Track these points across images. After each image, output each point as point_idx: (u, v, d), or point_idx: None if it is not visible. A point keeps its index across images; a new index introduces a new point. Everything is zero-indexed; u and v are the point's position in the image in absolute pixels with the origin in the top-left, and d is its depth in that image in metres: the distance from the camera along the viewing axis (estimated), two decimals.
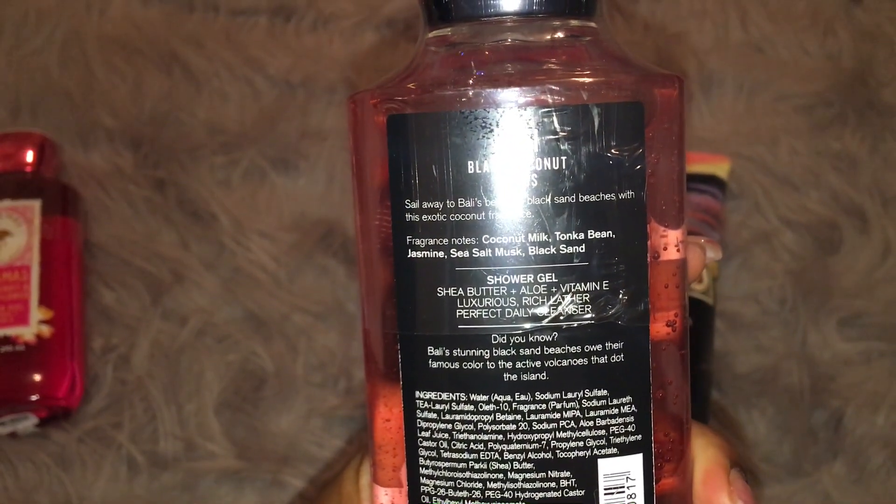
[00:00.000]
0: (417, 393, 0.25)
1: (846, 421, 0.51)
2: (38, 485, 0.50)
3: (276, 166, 0.61)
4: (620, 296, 0.25)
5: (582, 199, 0.24)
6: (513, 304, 0.24)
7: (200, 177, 0.60)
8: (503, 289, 0.24)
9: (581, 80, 0.24)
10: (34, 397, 0.51)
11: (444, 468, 0.25)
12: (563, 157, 0.24)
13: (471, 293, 0.24)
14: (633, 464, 0.25)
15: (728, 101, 0.63)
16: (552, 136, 0.24)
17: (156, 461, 0.51)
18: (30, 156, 0.58)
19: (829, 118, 0.62)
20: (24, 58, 0.64)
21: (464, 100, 0.24)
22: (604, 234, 0.24)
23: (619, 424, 0.25)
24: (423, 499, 0.26)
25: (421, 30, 0.27)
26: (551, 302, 0.24)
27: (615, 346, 0.25)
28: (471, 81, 0.24)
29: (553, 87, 0.24)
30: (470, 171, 0.24)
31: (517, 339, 0.24)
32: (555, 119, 0.24)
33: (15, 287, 0.52)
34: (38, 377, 0.51)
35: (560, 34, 0.26)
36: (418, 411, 0.25)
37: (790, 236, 0.58)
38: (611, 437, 0.25)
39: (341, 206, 0.59)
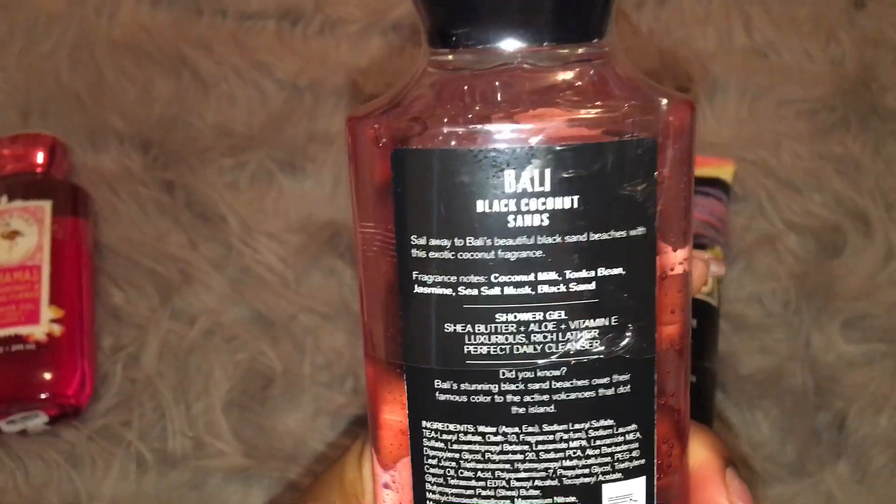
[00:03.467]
0: (424, 423, 0.25)
1: (849, 422, 0.52)
2: (48, 482, 0.51)
3: (284, 169, 0.61)
4: (629, 330, 0.24)
5: (593, 237, 0.24)
6: (521, 340, 0.24)
7: (209, 179, 0.60)
8: (512, 326, 0.24)
9: (594, 115, 0.24)
10: (44, 395, 0.51)
11: (452, 494, 0.26)
12: (575, 196, 0.23)
13: (479, 330, 0.24)
14: (637, 486, 0.25)
15: (732, 105, 0.63)
16: (564, 175, 0.23)
17: (164, 459, 0.51)
18: (40, 157, 0.58)
19: (832, 123, 0.62)
20: (34, 61, 0.65)
21: (474, 137, 0.23)
22: (614, 271, 0.24)
23: (623, 451, 0.25)
24: None
25: (422, 48, 0.26)
26: (561, 339, 0.24)
27: (622, 378, 0.25)
28: (479, 118, 0.24)
29: (566, 125, 0.23)
30: (479, 210, 0.23)
31: (525, 375, 0.24)
32: (567, 158, 0.23)
33: (26, 286, 0.53)
34: (48, 376, 0.51)
35: (569, 63, 0.25)
36: (425, 440, 0.25)
37: (794, 239, 0.58)
38: (615, 464, 0.25)
39: (348, 209, 0.59)
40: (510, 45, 0.24)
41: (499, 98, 0.24)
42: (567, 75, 0.25)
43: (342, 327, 0.56)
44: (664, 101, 0.25)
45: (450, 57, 0.25)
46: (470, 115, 0.24)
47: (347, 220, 0.59)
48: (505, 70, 0.24)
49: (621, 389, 0.25)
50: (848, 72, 0.64)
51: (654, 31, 0.67)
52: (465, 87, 0.25)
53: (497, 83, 0.24)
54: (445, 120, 0.24)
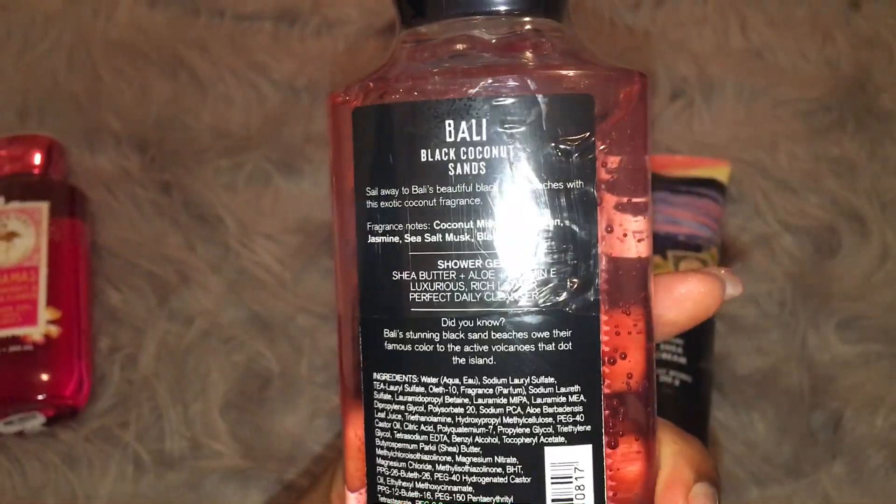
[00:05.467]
0: (375, 374, 0.26)
1: (845, 422, 0.52)
2: (46, 483, 0.51)
3: (281, 170, 0.61)
4: (569, 284, 0.25)
5: (531, 188, 0.25)
6: (461, 288, 0.25)
7: (206, 180, 0.60)
8: (452, 273, 0.25)
9: (531, 72, 0.25)
10: (42, 396, 0.51)
11: (398, 449, 0.26)
12: (511, 146, 0.24)
13: (422, 277, 0.25)
14: (582, 454, 0.25)
15: (728, 106, 0.64)
16: (501, 127, 0.24)
17: (162, 460, 0.52)
18: (38, 158, 0.58)
19: (828, 123, 0.63)
20: (31, 62, 0.65)
21: (416, 91, 0.25)
22: (552, 223, 0.25)
23: (566, 413, 0.25)
24: (378, 479, 0.26)
25: (396, 28, 0.28)
26: (499, 288, 0.25)
27: (563, 334, 0.25)
28: (424, 74, 0.25)
29: (501, 78, 0.25)
30: (423, 160, 0.25)
31: (465, 324, 0.25)
32: (503, 109, 0.24)
33: (23, 288, 0.53)
34: (45, 377, 0.51)
35: (524, 33, 0.26)
36: (375, 392, 0.26)
37: (789, 240, 0.58)
38: (558, 426, 0.25)
39: None
40: (473, 14, 0.26)
41: (448, 58, 0.26)
42: (515, 41, 0.26)
43: None
44: (610, 68, 0.26)
45: (420, 29, 0.27)
46: (417, 73, 0.26)
47: None
48: (462, 36, 0.26)
49: (562, 346, 0.25)
50: (844, 73, 0.64)
51: (651, 33, 0.67)
52: (423, 53, 0.27)
53: (450, 46, 0.26)
54: (395, 78, 0.26)
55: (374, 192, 0.25)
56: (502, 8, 0.26)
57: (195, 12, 0.67)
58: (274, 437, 0.52)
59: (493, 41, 0.26)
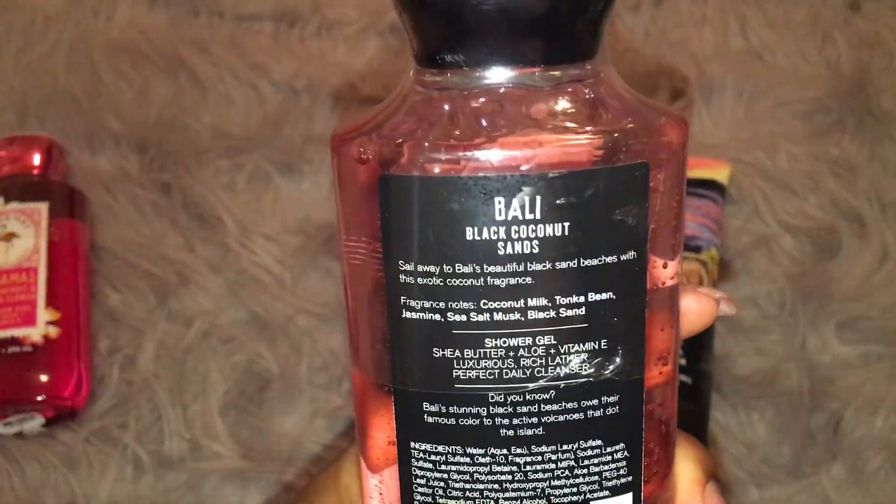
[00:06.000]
0: (413, 443, 0.25)
1: (845, 423, 0.52)
2: (45, 484, 0.51)
3: (281, 170, 0.61)
4: (618, 354, 0.24)
5: (584, 263, 0.23)
6: (510, 365, 0.24)
7: (206, 180, 0.60)
8: (501, 351, 0.24)
9: (586, 140, 0.23)
10: (41, 397, 0.51)
11: None
12: (566, 224, 0.23)
13: (468, 355, 0.24)
14: (623, 502, 0.26)
15: (728, 107, 0.64)
16: (555, 202, 0.23)
17: (161, 461, 0.51)
18: (37, 159, 0.58)
19: (828, 124, 0.63)
20: (31, 62, 0.65)
21: (460, 163, 0.23)
22: (604, 296, 0.24)
23: (611, 469, 0.25)
24: None
25: (410, 63, 0.25)
26: (550, 363, 0.24)
27: (611, 399, 0.25)
28: (466, 143, 0.23)
29: (557, 151, 0.23)
30: (468, 238, 0.23)
31: (514, 398, 0.24)
32: (558, 185, 0.23)
33: (22, 288, 0.53)
34: (44, 377, 0.51)
35: (560, 85, 0.24)
36: (413, 461, 0.25)
37: (789, 241, 0.58)
38: (603, 482, 0.25)
39: None
40: (499, 67, 0.24)
41: (485, 122, 0.23)
42: (557, 98, 0.24)
43: (339, 329, 0.56)
44: (657, 122, 0.24)
45: (437, 78, 0.24)
46: (455, 141, 0.23)
47: None
48: (493, 92, 0.24)
49: (610, 411, 0.25)
50: (844, 74, 0.64)
51: (651, 34, 0.67)
52: (452, 110, 0.24)
53: (484, 106, 0.24)
54: (431, 145, 0.23)
55: (410, 267, 0.24)
56: (540, 58, 0.24)
57: (195, 13, 0.67)
58: (273, 438, 0.52)
59: (533, 98, 0.24)
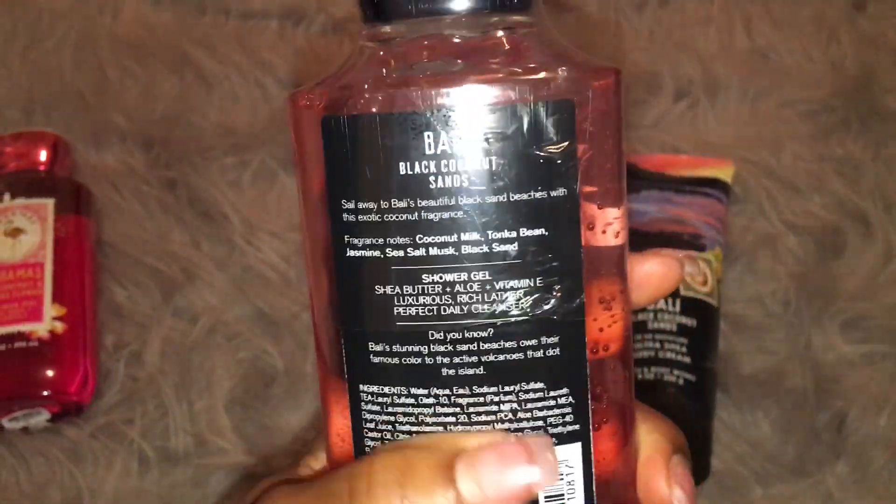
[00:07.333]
0: (361, 386, 0.26)
1: (849, 422, 0.52)
2: (50, 479, 0.51)
3: (286, 167, 0.61)
4: (555, 292, 0.25)
5: (514, 198, 0.24)
6: (448, 301, 0.25)
7: (211, 177, 0.61)
8: (438, 287, 0.24)
9: (511, 78, 0.24)
10: (47, 393, 0.51)
11: None
12: (494, 158, 0.24)
13: (407, 291, 0.25)
14: (572, 452, 0.25)
15: (733, 106, 0.64)
16: (482, 137, 0.24)
17: (167, 457, 0.52)
18: (43, 155, 0.59)
19: (833, 124, 0.63)
20: (37, 59, 0.65)
21: (394, 101, 0.24)
22: (536, 232, 0.24)
23: (556, 416, 0.25)
24: None
25: (358, 25, 0.27)
26: (486, 300, 0.24)
27: (551, 340, 0.25)
28: (401, 82, 0.24)
29: (482, 87, 0.24)
30: (402, 173, 0.24)
31: (454, 336, 0.25)
32: (484, 120, 0.24)
33: (29, 284, 0.53)
34: (50, 373, 0.51)
35: (493, 31, 0.26)
36: (363, 404, 0.26)
37: (794, 240, 0.58)
38: (549, 429, 0.25)
39: None
40: (437, 14, 0.25)
41: (422, 63, 0.25)
42: (486, 42, 0.25)
43: None
44: (586, 67, 0.25)
45: (384, 29, 0.26)
46: (391, 81, 0.25)
47: None
48: (432, 38, 0.25)
49: (550, 352, 0.25)
50: (849, 73, 0.64)
51: (656, 33, 0.67)
52: (392, 56, 0.26)
53: (421, 50, 0.25)
54: (368, 86, 0.24)
55: (351, 206, 0.25)
56: (472, 6, 0.25)
57: (201, 10, 0.67)
58: (279, 435, 0.52)
59: (466, 44, 0.25)
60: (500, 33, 0.26)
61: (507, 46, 0.26)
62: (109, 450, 0.52)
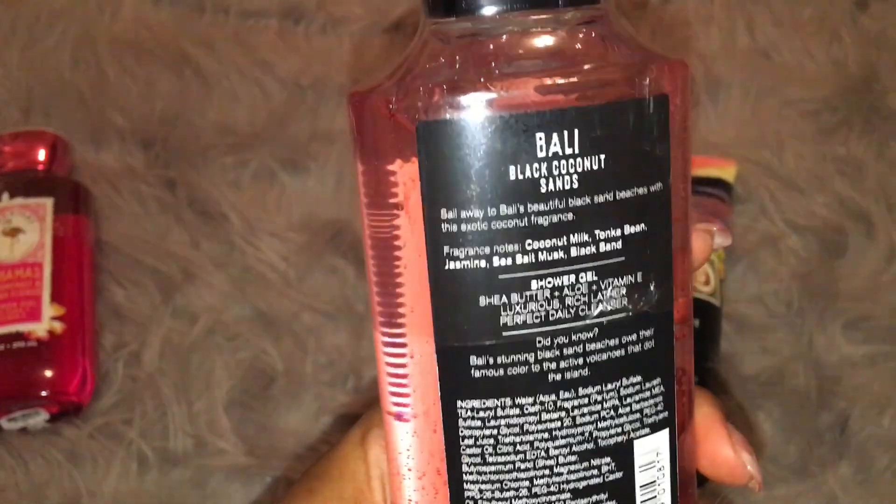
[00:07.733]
0: (459, 403, 0.25)
1: (852, 423, 0.52)
2: (49, 480, 0.50)
3: (286, 167, 0.61)
4: (652, 286, 0.25)
5: (619, 195, 0.24)
6: (556, 306, 0.24)
7: (211, 177, 0.60)
8: (546, 292, 0.24)
9: (613, 75, 0.24)
10: (45, 393, 0.51)
11: (490, 472, 0.25)
12: (602, 156, 0.24)
13: (515, 300, 0.24)
14: (662, 439, 0.26)
15: (735, 105, 0.63)
16: (592, 135, 0.23)
17: (166, 457, 0.51)
18: (42, 154, 0.58)
19: (835, 123, 0.62)
20: (36, 58, 0.65)
21: (505, 102, 0.23)
22: (638, 228, 0.24)
23: (650, 406, 0.26)
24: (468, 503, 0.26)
25: (421, 22, 0.26)
26: (593, 300, 0.24)
27: (647, 333, 0.25)
28: (509, 82, 0.23)
29: (590, 86, 0.24)
30: (511, 178, 0.23)
31: (561, 340, 0.24)
32: (595, 117, 0.23)
33: (27, 284, 0.53)
34: (49, 373, 0.51)
35: (573, 25, 0.25)
36: (461, 420, 0.25)
37: (796, 240, 0.58)
38: (644, 419, 0.26)
39: (350, 207, 0.59)
40: (513, 10, 0.24)
41: (517, 61, 0.24)
42: (575, 36, 0.25)
43: (344, 326, 0.55)
44: (668, 59, 0.25)
45: (454, 26, 0.25)
46: (497, 81, 0.23)
47: (350, 219, 0.59)
48: (514, 34, 0.24)
49: (647, 345, 0.25)
50: (851, 73, 0.64)
51: (657, 32, 0.67)
52: (481, 54, 0.24)
53: (511, 47, 0.24)
54: (467, 86, 0.23)
55: (452, 215, 0.23)
56: (555, 1, 0.24)
57: (200, 9, 0.67)
58: (278, 435, 0.52)
59: (552, 38, 0.24)
60: (580, 27, 0.25)
61: (594, 40, 0.25)
62: (108, 450, 0.51)
